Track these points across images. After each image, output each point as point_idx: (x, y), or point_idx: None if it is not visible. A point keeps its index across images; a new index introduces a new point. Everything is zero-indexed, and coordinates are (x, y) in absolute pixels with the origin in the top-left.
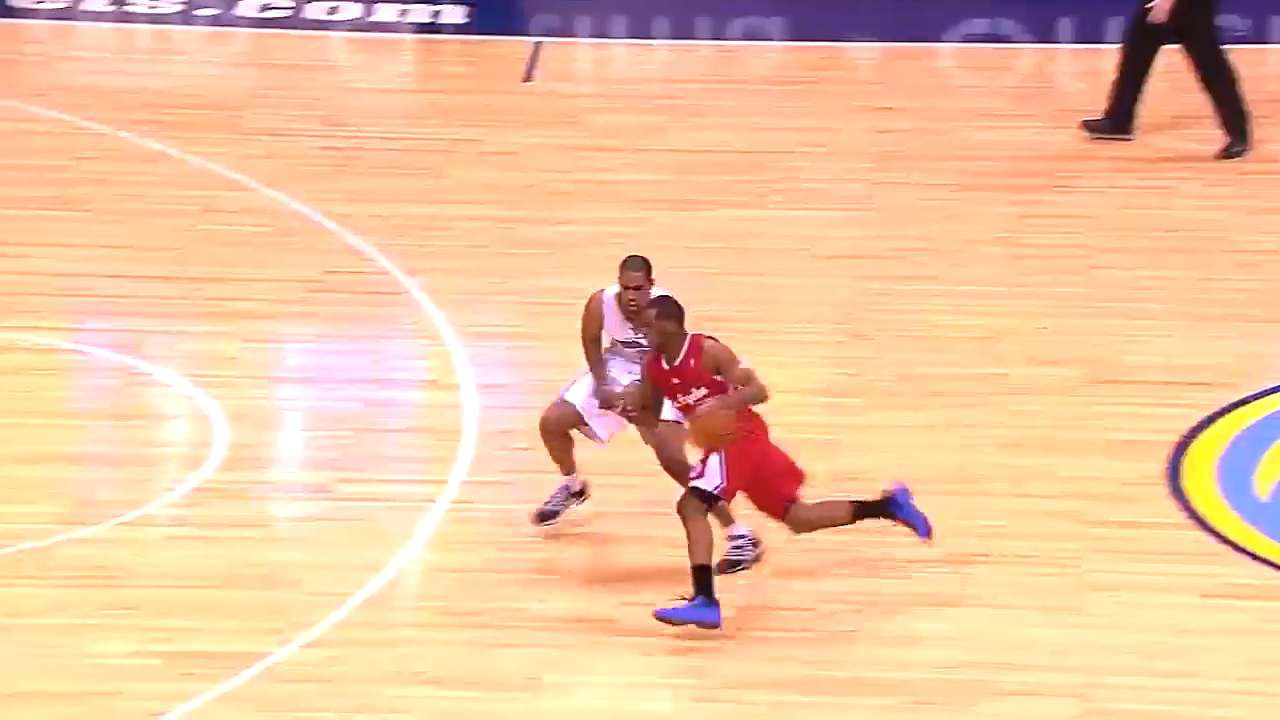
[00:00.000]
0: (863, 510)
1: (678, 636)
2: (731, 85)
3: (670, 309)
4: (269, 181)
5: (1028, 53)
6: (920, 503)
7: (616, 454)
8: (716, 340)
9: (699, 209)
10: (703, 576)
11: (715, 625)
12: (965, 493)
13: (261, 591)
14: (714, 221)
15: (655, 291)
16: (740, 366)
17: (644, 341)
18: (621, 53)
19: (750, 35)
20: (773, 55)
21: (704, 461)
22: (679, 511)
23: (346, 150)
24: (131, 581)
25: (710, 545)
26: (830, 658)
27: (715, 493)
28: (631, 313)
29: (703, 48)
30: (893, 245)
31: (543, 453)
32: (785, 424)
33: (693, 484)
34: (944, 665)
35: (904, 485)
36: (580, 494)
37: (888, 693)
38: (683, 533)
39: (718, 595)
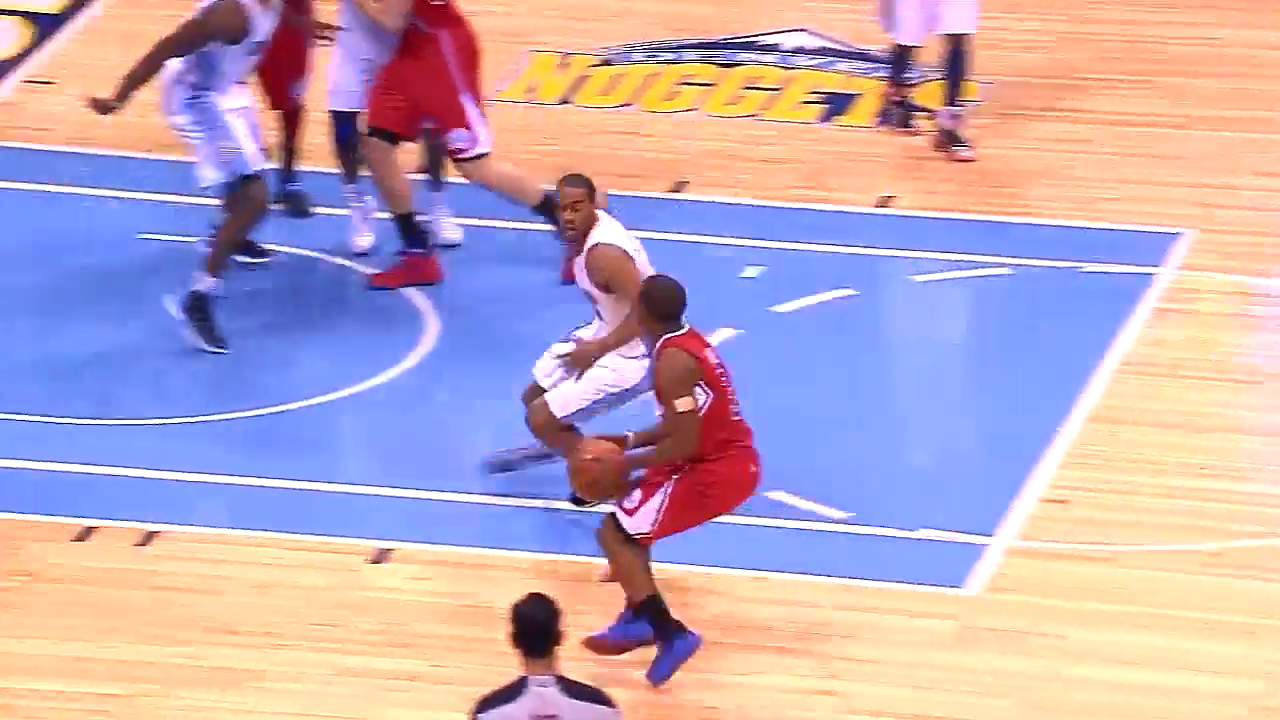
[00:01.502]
0: (655, 610)
1: None
2: None
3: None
4: None
5: None
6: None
7: None
8: None
9: None
10: (654, 609)
11: (699, 645)
12: None
13: None
14: None
15: (603, 222)
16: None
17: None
18: None
19: None
20: None
21: (644, 493)
22: (599, 539)
23: None
24: None
25: (646, 570)
26: None
27: (634, 536)
28: (568, 236)
29: None
30: None
31: None
32: None
33: (618, 515)
34: None
35: (699, 640)
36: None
37: None
38: None
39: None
